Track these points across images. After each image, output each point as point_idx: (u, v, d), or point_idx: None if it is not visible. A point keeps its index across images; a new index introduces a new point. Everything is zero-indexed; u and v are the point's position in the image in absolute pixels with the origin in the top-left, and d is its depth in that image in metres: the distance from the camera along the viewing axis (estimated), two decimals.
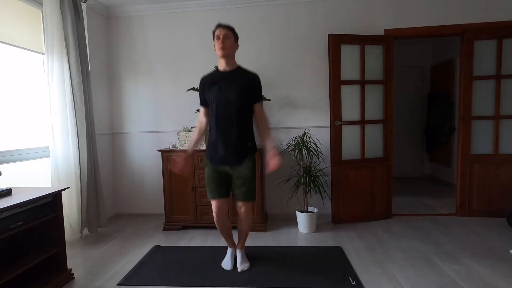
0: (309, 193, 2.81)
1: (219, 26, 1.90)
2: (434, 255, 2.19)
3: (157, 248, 2.47)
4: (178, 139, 2.83)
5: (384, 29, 2.99)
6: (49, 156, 2.52)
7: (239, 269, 2.06)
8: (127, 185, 3.43)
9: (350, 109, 2.90)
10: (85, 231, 2.81)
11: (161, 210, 3.23)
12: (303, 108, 3.15)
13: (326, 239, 2.57)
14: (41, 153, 2.58)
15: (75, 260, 2.31)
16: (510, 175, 2.93)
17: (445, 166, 4.50)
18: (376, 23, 3.00)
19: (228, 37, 1.87)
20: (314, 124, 3.13)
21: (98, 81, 3.17)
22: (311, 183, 2.76)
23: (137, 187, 3.41)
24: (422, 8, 2.96)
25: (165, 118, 3.33)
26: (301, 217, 2.73)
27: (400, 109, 4.85)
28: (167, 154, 2.84)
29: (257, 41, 3.14)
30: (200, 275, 2.01)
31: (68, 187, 2.08)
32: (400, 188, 4.19)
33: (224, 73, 1.92)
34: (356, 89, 2.90)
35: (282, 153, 3.05)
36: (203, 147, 2.73)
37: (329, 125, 3.00)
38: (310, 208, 2.84)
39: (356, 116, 2.92)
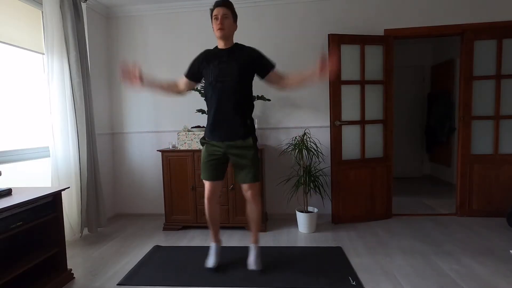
0: (309, 193, 2.81)
1: (217, 4, 1.83)
2: (434, 255, 2.19)
3: (157, 248, 2.47)
4: (178, 139, 2.84)
5: (384, 29, 2.99)
6: (49, 156, 2.52)
7: (250, 267, 2.00)
8: (127, 185, 3.43)
9: (350, 109, 2.90)
10: (85, 231, 2.81)
11: (161, 210, 3.23)
12: (303, 108, 3.15)
13: (326, 239, 2.57)
14: (41, 153, 2.58)
15: (75, 260, 2.31)
16: (510, 175, 2.93)
17: (445, 166, 4.50)
18: (376, 23, 3.00)
19: (227, 16, 1.82)
20: (314, 124, 3.13)
21: (98, 81, 3.17)
22: (311, 183, 2.76)
23: (137, 187, 3.41)
24: (422, 8, 2.96)
25: (165, 118, 3.33)
26: (301, 217, 2.73)
27: (400, 109, 4.85)
28: (167, 154, 2.84)
29: (257, 41, 3.14)
30: (200, 275, 2.01)
31: (68, 187, 2.08)
32: (400, 188, 4.19)
33: (223, 50, 1.89)
34: (356, 89, 2.90)
35: (282, 153, 3.06)
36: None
37: (329, 125, 3.00)
38: (310, 208, 2.84)
39: (356, 116, 2.92)
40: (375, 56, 2.91)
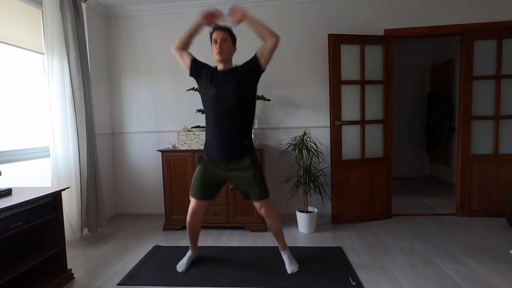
0: (309, 193, 2.81)
1: (216, 28, 1.88)
2: (434, 255, 2.19)
3: (157, 248, 2.47)
4: (178, 139, 2.84)
5: (384, 29, 2.99)
6: (49, 156, 2.52)
7: (289, 271, 2.00)
8: (127, 185, 3.43)
9: (350, 109, 2.90)
10: (85, 231, 2.81)
11: (161, 210, 3.23)
12: (303, 108, 3.15)
13: (326, 239, 2.57)
14: (41, 153, 2.58)
15: (75, 260, 2.31)
16: (510, 175, 2.93)
17: (445, 166, 4.50)
18: (376, 23, 3.00)
19: (226, 40, 1.86)
20: (314, 124, 3.13)
21: (98, 81, 3.17)
22: (311, 183, 2.76)
23: (137, 187, 3.41)
24: (422, 8, 2.96)
25: (165, 118, 3.33)
26: (301, 217, 2.73)
27: (400, 109, 4.85)
28: (167, 154, 2.84)
29: (256, 41, 3.13)
30: (200, 275, 2.01)
31: (68, 187, 2.08)
32: (400, 188, 4.19)
33: (222, 72, 1.92)
34: (356, 89, 2.90)
35: (282, 153, 3.06)
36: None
37: (329, 125, 3.00)
38: (310, 208, 2.84)
39: (356, 116, 2.92)
40: (375, 56, 2.91)
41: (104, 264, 2.23)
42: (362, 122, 2.93)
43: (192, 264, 2.15)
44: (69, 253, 2.37)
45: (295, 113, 3.16)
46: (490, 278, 1.86)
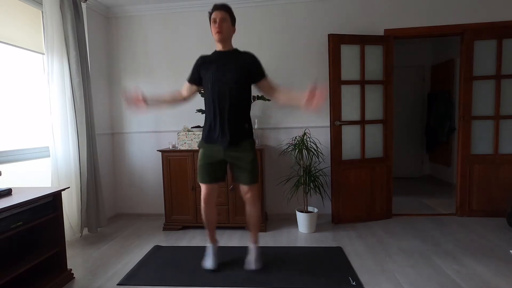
0: (309, 193, 2.81)
1: (216, 8, 1.85)
2: (434, 255, 2.19)
3: (157, 248, 2.47)
4: (178, 139, 2.84)
5: (384, 29, 2.99)
6: (49, 156, 2.52)
7: (250, 267, 2.00)
8: (127, 185, 3.43)
9: (350, 109, 2.90)
10: (85, 231, 2.81)
11: (161, 210, 3.23)
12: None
13: (326, 239, 2.57)
14: (41, 153, 2.58)
15: (75, 260, 2.31)
16: (510, 175, 2.93)
17: (445, 166, 4.50)
18: (376, 23, 3.00)
19: (225, 20, 1.84)
20: (314, 124, 3.13)
21: (98, 81, 3.17)
22: (311, 183, 2.76)
23: (137, 187, 3.41)
24: (422, 8, 2.96)
25: (165, 118, 3.33)
26: (301, 217, 2.73)
27: (400, 109, 4.85)
28: (167, 154, 2.84)
29: (257, 41, 3.14)
30: (200, 275, 2.01)
31: (68, 187, 2.08)
32: (400, 188, 4.19)
33: (221, 53, 1.91)
34: (356, 89, 2.90)
35: (282, 153, 3.06)
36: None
37: (329, 125, 3.00)
38: (310, 208, 2.84)
39: (356, 116, 2.92)
40: (375, 56, 2.91)
41: (104, 264, 2.23)
42: (362, 122, 2.93)
43: (192, 264, 2.15)
44: (69, 253, 2.37)
45: (295, 113, 3.15)
46: (490, 278, 1.87)
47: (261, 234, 2.72)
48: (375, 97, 2.94)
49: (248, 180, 1.92)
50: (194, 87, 2.04)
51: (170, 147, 2.96)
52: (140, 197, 3.42)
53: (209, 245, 2.16)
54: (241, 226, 2.81)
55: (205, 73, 1.91)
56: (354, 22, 3.03)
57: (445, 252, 2.24)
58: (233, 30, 1.92)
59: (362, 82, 2.89)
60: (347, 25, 3.03)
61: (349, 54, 2.86)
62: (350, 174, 2.92)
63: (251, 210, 2.02)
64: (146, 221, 3.20)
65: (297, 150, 2.76)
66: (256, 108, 3.06)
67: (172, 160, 2.83)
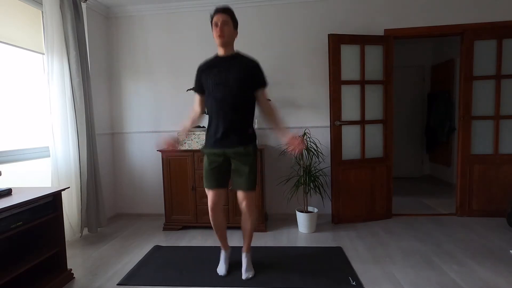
0: (309, 193, 2.81)
1: (218, 11, 1.81)
2: (434, 255, 2.19)
3: (157, 248, 2.47)
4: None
5: (384, 29, 2.99)
6: (49, 156, 2.52)
7: (243, 277, 1.95)
8: (127, 185, 3.43)
9: (350, 109, 2.90)
10: (85, 231, 2.81)
11: (161, 210, 3.23)
12: (303, 108, 3.15)
13: (326, 239, 2.57)
14: (41, 153, 2.58)
15: (75, 260, 2.31)
16: (510, 175, 2.93)
17: (445, 166, 4.50)
18: (376, 23, 3.00)
19: (227, 23, 1.80)
20: (314, 124, 3.13)
21: (98, 81, 3.17)
22: (311, 183, 2.76)
23: (137, 187, 3.41)
24: (422, 8, 2.96)
25: (165, 118, 3.33)
26: (301, 217, 2.73)
27: (400, 109, 4.85)
28: (167, 154, 2.84)
29: (257, 41, 3.14)
30: (200, 275, 2.01)
31: (68, 187, 2.08)
32: (400, 188, 4.19)
33: (222, 58, 1.87)
34: (356, 89, 2.90)
35: (282, 153, 3.06)
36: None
37: (329, 125, 3.00)
38: (310, 208, 2.84)
39: (356, 116, 2.92)
40: (375, 56, 2.91)
41: (104, 264, 2.23)
42: (362, 122, 2.93)
43: (192, 264, 2.15)
44: (69, 253, 2.37)
45: (295, 113, 3.16)
46: (490, 278, 1.86)
47: (261, 234, 2.72)
48: (375, 97, 2.94)
49: (245, 186, 1.88)
50: (201, 101, 2.02)
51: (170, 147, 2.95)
52: (140, 197, 3.42)
53: (222, 251, 2.12)
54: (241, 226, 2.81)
55: (206, 78, 1.88)
56: (354, 22, 3.03)
57: (445, 252, 2.24)
58: (235, 34, 1.88)
59: (362, 82, 2.89)
60: (347, 25, 3.03)
61: (349, 54, 2.86)
62: (350, 174, 2.92)
63: (246, 218, 1.97)
64: (146, 221, 3.20)
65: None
66: (256, 108, 3.05)
67: (172, 160, 2.83)
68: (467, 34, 2.90)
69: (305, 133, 2.81)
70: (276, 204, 3.21)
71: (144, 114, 3.35)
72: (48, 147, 2.55)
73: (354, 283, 1.85)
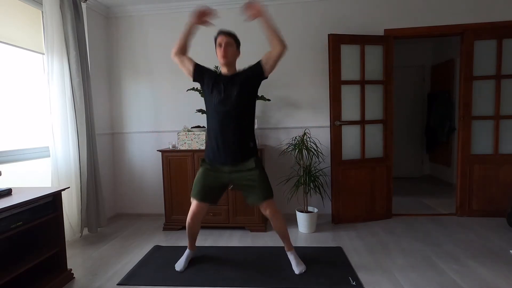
0: (309, 193, 2.81)
1: (221, 33, 1.89)
2: (434, 255, 2.19)
3: (157, 248, 2.47)
4: (178, 139, 2.84)
5: (384, 29, 2.99)
6: (49, 156, 2.52)
7: (296, 272, 1.98)
8: (127, 185, 3.43)
9: (350, 109, 2.90)
10: (85, 231, 2.81)
11: (161, 210, 3.23)
12: (303, 108, 3.15)
13: (326, 239, 2.57)
14: (41, 153, 2.58)
15: (75, 260, 2.31)
16: (510, 175, 2.93)
17: (445, 166, 4.50)
18: (376, 23, 3.00)
19: (230, 44, 1.87)
20: (314, 124, 3.13)
21: (98, 81, 3.17)
22: (311, 183, 2.76)
23: (137, 187, 3.41)
24: (422, 8, 2.96)
25: (165, 118, 3.33)
26: (301, 217, 2.73)
27: (400, 109, 4.85)
28: (167, 154, 2.84)
29: (256, 41, 3.14)
30: (200, 275, 2.01)
31: (68, 187, 2.08)
32: (400, 188, 4.19)
33: (225, 77, 1.93)
34: (356, 89, 2.90)
35: (282, 153, 3.05)
36: None
37: (329, 125, 3.00)
38: (310, 208, 2.84)
39: (356, 116, 2.92)
40: (375, 56, 2.91)
41: (104, 264, 2.23)
42: (362, 122, 2.93)
43: (192, 264, 2.16)
44: (69, 253, 2.36)
45: (295, 113, 3.16)
46: (490, 278, 1.86)
47: (261, 234, 2.72)
48: (375, 97, 2.94)
49: (261, 198, 1.92)
50: (189, 67, 1.95)
51: (170, 147, 2.96)
52: (140, 197, 3.42)
53: (187, 250, 2.19)
54: (241, 226, 2.81)
55: (207, 88, 1.92)
56: (354, 22, 3.03)
57: (445, 252, 2.24)
58: (238, 54, 1.96)
59: (362, 82, 2.89)
60: (347, 25, 3.03)
61: (349, 54, 2.85)
62: (350, 174, 2.92)
63: (276, 224, 2.02)
64: (146, 221, 3.20)
65: (297, 150, 2.76)
66: (256, 108, 3.05)
67: (172, 160, 2.83)
68: (467, 34, 2.90)
69: (305, 133, 2.81)
70: (276, 204, 3.20)
71: (144, 114, 3.36)
72: (48, 147, 2.55)
73: (354, 283, 1.85)
